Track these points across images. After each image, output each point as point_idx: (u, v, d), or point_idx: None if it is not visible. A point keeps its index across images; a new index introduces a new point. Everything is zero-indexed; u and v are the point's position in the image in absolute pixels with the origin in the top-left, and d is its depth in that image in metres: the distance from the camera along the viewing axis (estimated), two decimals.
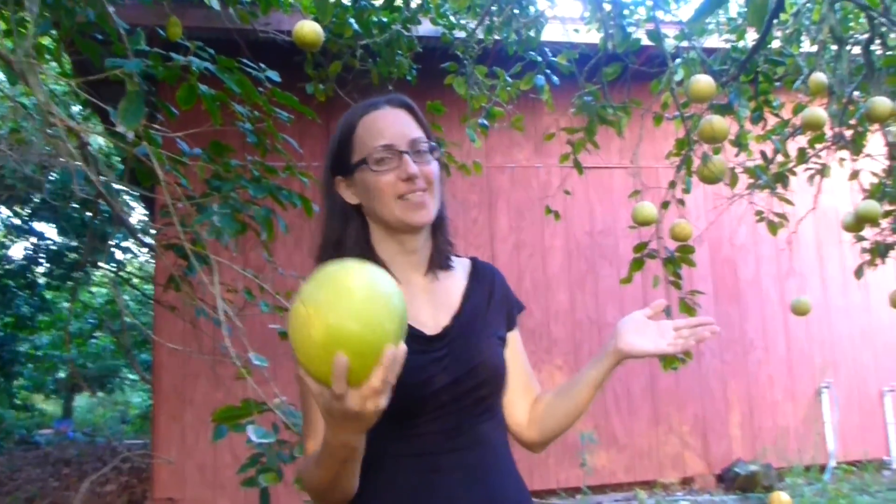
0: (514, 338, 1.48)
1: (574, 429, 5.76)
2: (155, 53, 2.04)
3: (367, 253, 1.36)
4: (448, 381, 1.28)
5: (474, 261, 1.53)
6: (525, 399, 1.47)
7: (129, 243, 10.16)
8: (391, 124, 1.33)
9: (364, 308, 0.97)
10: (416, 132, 1.35)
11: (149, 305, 9.84)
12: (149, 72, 2.06)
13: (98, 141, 8.90)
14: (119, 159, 7.86)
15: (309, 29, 2.86)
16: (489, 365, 1.35)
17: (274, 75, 2.26)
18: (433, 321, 1.35)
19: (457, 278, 1.46)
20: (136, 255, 11.30)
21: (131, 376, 13.48)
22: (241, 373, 2.15)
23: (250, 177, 2.52)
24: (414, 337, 1.22)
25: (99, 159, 2.48)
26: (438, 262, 1.43)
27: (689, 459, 6.04)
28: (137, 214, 9.98)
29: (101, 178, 2.39)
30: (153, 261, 6.47)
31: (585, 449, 5.70)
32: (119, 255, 10.55)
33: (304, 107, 2.27)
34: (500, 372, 1.38)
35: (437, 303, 1.39)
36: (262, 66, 2.34)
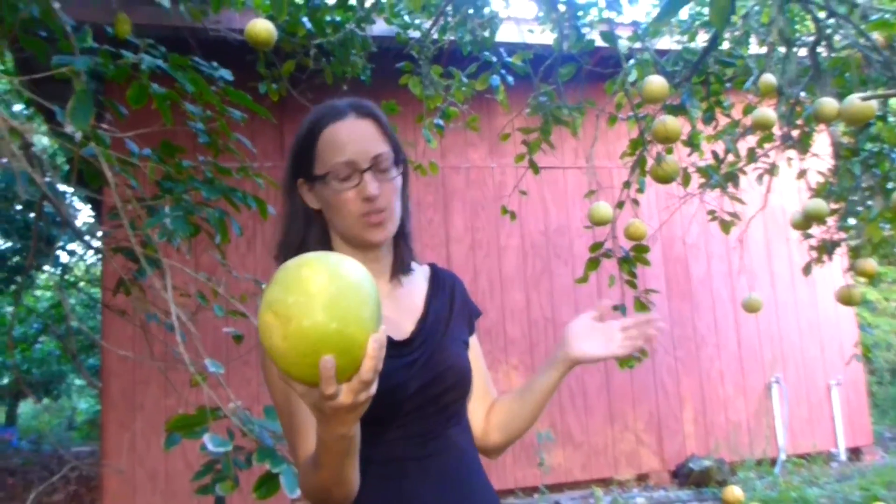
0: (473, 343, 1.48)
1: (531, 428, 5.78)
2: (104, 51, 1.98)
3: None
4: (417, 387, 1.27)
5: (433, 267, 1.52)
6: (483, 404, 1.47)
7: (75, 246, 9.93)
8: (354, 139, 1.30)
9: (337, 303, 0.93)
10: (380, 147, 1.31)
11: (96, 309, 9.63)
12: (96, 70, 2.00)
13: (43, 141, 8.67)
14: (65, 160, 7.68)
15: (261, 27, 2.82)
16: (457, 370, 1.34)
17: (227, 74, 2.22)
18: (398, 327, 1.34)
19: (418, 284, 1.45)
20: (82, 258, 11.05)
21: (78, 381, 13.18)
22: (196, 380, 2.11)
23: (203, 178, 2.47)
24: None
25: (44, 160, 2.40)
26: (401, 268, 1.42)
27: (644, 456, 6.10)
28: (84, 216, 9.76)
29: (47, 179, 2.32)
30: (100, 264, 6.33)
31: (542, 448, 5.73)
32: (65, 258, 10.31)
33: (258, 105, 2.22)
34: (468, 377, 1.38)
35: (401, 309, 1.38)
36: (215, 64, 2.29)
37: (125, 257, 2.51)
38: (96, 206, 7.13)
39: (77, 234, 3.46)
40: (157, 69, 2.04)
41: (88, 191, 2.65)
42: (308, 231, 1.37)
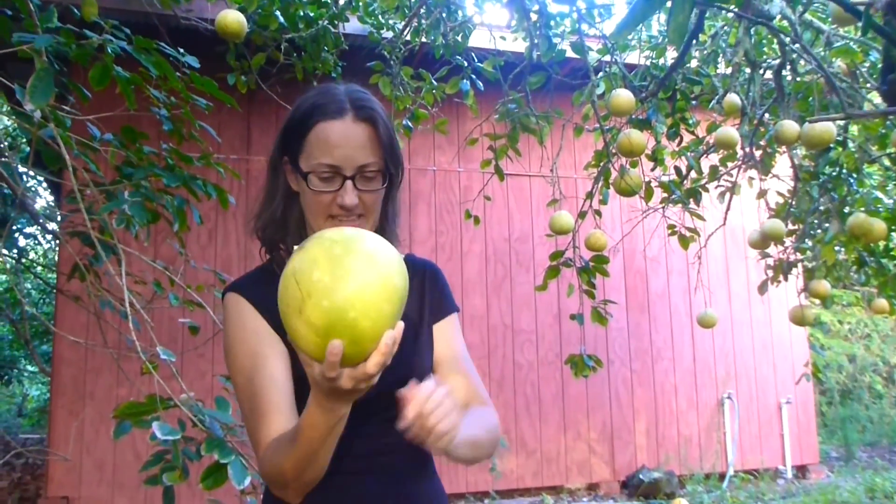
0: (441, 330, 1.44)
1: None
2: (67, 30, 1.95)
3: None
4: (374, 393, 1.23)
5: (408, 258, 1.47)
6: (457, 388, 1.38)
7: (33, 230, 9.74)
8: (345, 143, 1.25)
9: (362, 293, 0.92)
10: (369, 157, 1.26)
11: (52, 295, 9.45)
12: (60, 50, 1.97)
13: (3, 121, 8.51)
14: (26, 141, 7.54)
15: (232, 18, 2.80)
16: (417, 373, 1.30)
17: (193, 61, 2.19)
18: None
19: None
20: (39, 243, 10.85)
21: (31, 368, 12.93)
22: (147, 368, 2.08)
23: (164, 165, 2.44)
24: None
25: (1, 140, 2.36)
26: None
27: (595, 466, 6.15)
28: (43, 200, 9.59)
29: (3, 159, 2.28)
30: (57, 248, 6.22)
31: (495, 454, 5.74)
32: (22, 241, 10.10)
33: (224, 94, 2.20)
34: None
35: None
36: (181, 51, 2.27)
37: (82, 242, 2.47)
38: (56, 189, 7.01)
39: (34, 218, 3.41)
40: (123, 52, 2.01)
41: (48, 174, 2.60)
42: (289, 210, 1.36)
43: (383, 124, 1.30)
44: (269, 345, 1.27)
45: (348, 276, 0.92)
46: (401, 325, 0.96)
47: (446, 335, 1.44)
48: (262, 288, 1.33)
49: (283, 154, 1.35)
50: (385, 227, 1.39)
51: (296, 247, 1.00)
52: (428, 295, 1.45)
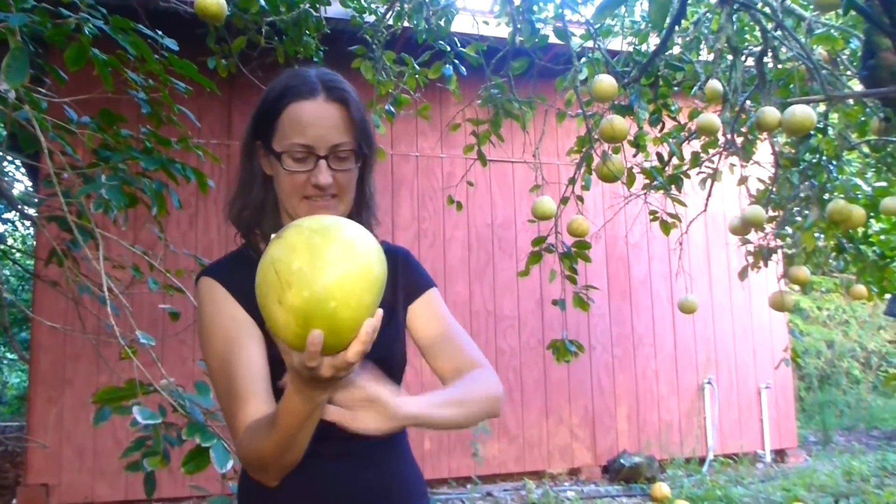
0: (421, 309, 1.44)
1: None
2: (42, 9, 1.92)
3: (279, 226, 1.34)
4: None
5: (382, 245, 1.50)
6: (447, 359, 1.41)
7: (10, 215, 9.63)
8: (317, 123, 1.26)
9: (342, 283, 0.91)
10: (342, 136, 1.28)
11: (30, 282, 9.36)
12: (36, 30, 1.94)
13: None
14: (0, 124, 7.43)
15: (212, 0, 2.77)
16: (388, 360, 1.33)
17: (172, 43, 2.16)
18: None
19: None
20: (17, 228, 10.73)
21: (10, 355, 12.81)
22: (126, 353, 2.07)
23: (142, 148, 2.42)
24: None
25: None
26: None
27: (577, 451, 6.19)
28: (21, 185, 9.48)
29: None
30: (35, 234, 6.15)
31: (477, 439, 5.77)
32: (0, 227, 9.99)
33: (204, 78, 2.18)
34: (400, 366, 1.38)
35: None
36: (160, 32, 2.24)
37: (59, 227, 2.44)
38: (33, 173, 6.93)
39: (10, 202, 3.36)
40: (100, 33, 1.98)
41: (23, 157, 2.57)
42: (264, 194, 1.36)
43: (355, 105, 1.31)
44: (245, 328, 1.27)
45: (328, 265, 0.92)
46: (380, 312, 0.96)
47: (429, 311, 1.45)
48: (237, 272, 1.32)
49: (255, 138, 1.35)
50: (361, 210, 1.40)
51: (273, 235, 0.99)
52: (402, 279, 1.45)
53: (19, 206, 3.03)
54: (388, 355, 1.35)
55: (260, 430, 1.13)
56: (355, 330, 0.94)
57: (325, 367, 0.95)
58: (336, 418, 1.05)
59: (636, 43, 3.85)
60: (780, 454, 6.92)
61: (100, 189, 2.09)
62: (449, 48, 3.81)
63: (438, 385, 1.36)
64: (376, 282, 0.96)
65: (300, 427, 1.06)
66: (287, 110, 1.28)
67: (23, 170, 8.60)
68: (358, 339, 0.94)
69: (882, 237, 3.85)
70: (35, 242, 5.68)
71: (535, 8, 3.52)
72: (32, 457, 4.84)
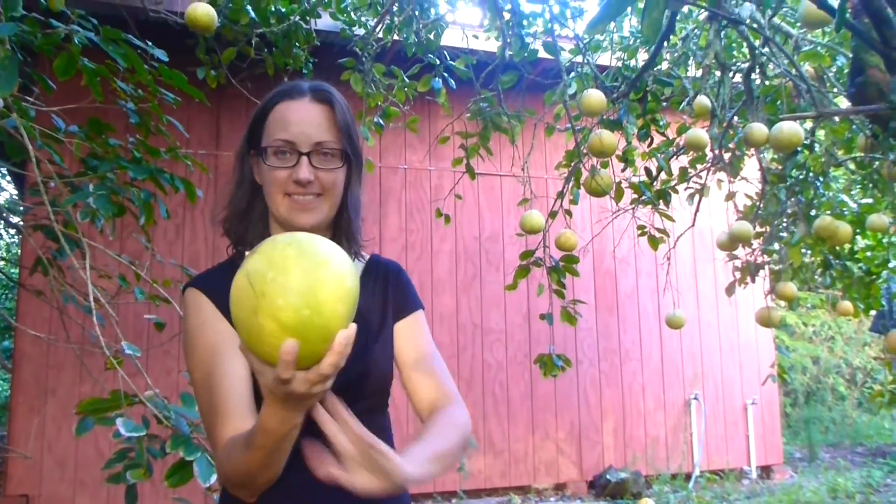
0: (404, 330, 1.43)
1: None
2: (32, 19, 1.91)
3: (266, 235, 1.34)
4: (333, 390, 1.22)
5: (372, 258, 1.49)
6: (423, 387, 1.39)
7: None
8: (301, 120, 1.28)
9: (315, 292, 0.91)
10: (326, 135, 1.29)
11: (15, 290, 9.28)
12: (25, 39, 1.93)
13: None
14: None
15: (202, 11, 2.77)
16: (374, 375, 1.33)
17: (161, 54, 2.16)
18: None
19: None
20: (1, 237, 10.65)
21: None
22: (111, 363, 2.04)
23: (130, 157, 2.40)
24: None
25: None
26: None
27: (563, 466, 6.17)
28: (7, 193, 9.42)
29: None
30: (20, 242, 6.11)
31: (463, 453, 5.74)
32: None
33: (193, 88, 2.17)
34: (387, 380, 1.36)
35: None
36: (149, 43, 2.23)
37: (45, 236, 2.42)
38: (19, 181, 6.89)
39: None
40: (90, 44, 1.97)
41: (10, 165, 2.55)
42: (252, 203, 1.37)
43: (341, 108, 1.32)
44: (229, 342, 1.25)
45: (302, 274, 0.92)
46: (353, 325, 0.95)
47: (411, 333, 1.43)
48: (225, 283, 1.30)
49: (248, 146, 1.37)
50: (345, 217, 1.39)
51: (247, 252, 0.99)
52: (391, 294, 1.44)
53: (4, 215, 3.01)
54: (375, 369, 1.34)
55: (237, 448, 1.12)
56: (329, 341, 0.93)
57: (299, 382, 0.93)
58: (333, 479, 0.99)
59: (625, 58, 3.86)
60: (765, 470, 6.92)
61: (88, 198, 2.07)
62: (438, 61, 3.81)
63: None
64: (349, 293, 0.96)
65: (276, 446, 1.06)
66: (274, 110, 1.32)
67: (8, 178, 8.55)
68: (332, 351, 0.93)
69: (868, 254, 3.87)
70: (20, 251, 5.64)
71: (525, 23, 3.53)
72: (13, 467, 4.78)
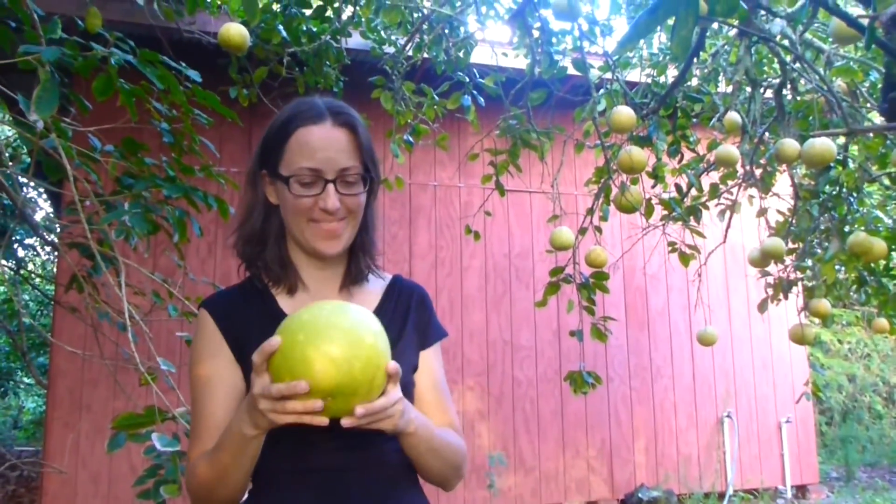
0: (426, 357, 1.44)
1: (482, 449, 5.78)
2: (72, 42, 1.96)
3: (284, 256, 1.36)
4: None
5: (395, 279, 1.49)
6: (432, 411, 1.41)
7: (32, 241, 9.72)
8: (325, 147, 1.27)
9: (364, 348, 1.06)
10: (349, 161, 1.29)
11: (50, 307, 9.42)
12: (63, 62, 1.97)
13: (4, 131, 8.52)
14: (27, 151, 7.54)
15: (235, 31, 2.82)
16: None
17: (195, 75, 2.20)
18: None
19: (371, 296, 1.42)
20: (38, 254, 10.82)
21: (27, 380, 12.87)
22: (145, 379, 2.07)
23: (164, 176, 2.45)
24: None
25: (2, 150, 2.36)
26: (351, 279, 1.40)
27: (594, 484, 6.12)
28: (43, 211, 9.58)
29: (4, 169, 2.28)
30: (56, 260, 6.21)
31: (493, 471, 5.72)
32: (21, 252, 10.08)
33: (226, 108, 2.21)
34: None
35: None
36: (183, 64, 2.28)
37: (80, 253, 2.47)
38: (56, 200, 7.01)
39: (33, 228, 3.40)
40: (126, 65, 2.01)
41: (48, 184, 2.60)
42: (267, 224, 1.37)
43: (362, 130, 1.32)
44: (217, 379, 1.29)
45: (354, 329, 1.08)
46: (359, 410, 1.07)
47: (429, 363, 1.45)
48: (238, 306, 1.35)
49: (261, 167, 1.37)
50: (363, 237, 1.40)
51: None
52: (413, 316, 1.45)
53: (41, 232, 3.07)
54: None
55: (203, 457, 1.20)
56: (350, 404, 1.05)
57: (291, 405, 1.03)
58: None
59: (654, 74, 3.86)
60: (801, 490, 6.80)
61: (122, 216, 2.11)
62: (468, 79, 3.84)
63: None
64: (382, 358, 1.09)
65: (238, 451, 1.13)
66: (295, 135, 1.29)
67: (45, 196, 8.71)
68: (352, 419, 1.07)
69: None
70: (56, 268, 5.73)
71: (554, 40, 3.54)
72: (48, 482, 4.83)
